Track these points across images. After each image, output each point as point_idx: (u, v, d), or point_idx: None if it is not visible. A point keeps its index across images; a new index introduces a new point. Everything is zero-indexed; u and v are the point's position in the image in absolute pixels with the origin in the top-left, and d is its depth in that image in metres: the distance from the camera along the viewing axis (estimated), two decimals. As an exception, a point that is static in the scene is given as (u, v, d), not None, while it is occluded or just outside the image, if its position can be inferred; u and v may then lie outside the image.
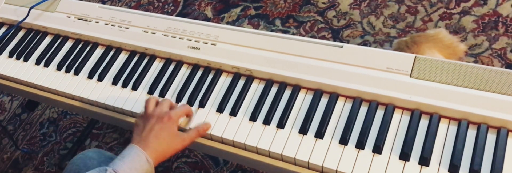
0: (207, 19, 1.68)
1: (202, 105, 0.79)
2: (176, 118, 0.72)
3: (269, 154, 0.72)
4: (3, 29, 1.06)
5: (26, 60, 0.97)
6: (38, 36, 1.01)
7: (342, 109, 0.73)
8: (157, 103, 0.76)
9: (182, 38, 0.87)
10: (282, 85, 0.78)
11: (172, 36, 0.88)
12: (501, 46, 1.30)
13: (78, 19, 0.97)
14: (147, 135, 0.70)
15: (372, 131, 0.69)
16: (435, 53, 1.00)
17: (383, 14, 1.46)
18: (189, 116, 0.78)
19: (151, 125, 0.71)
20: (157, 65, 0.88)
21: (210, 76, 0.83)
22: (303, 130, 0.72)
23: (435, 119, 0.68)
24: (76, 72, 0.91)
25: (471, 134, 0.66)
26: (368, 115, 0.71)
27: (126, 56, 0.92)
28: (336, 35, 1.47)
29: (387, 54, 0.73)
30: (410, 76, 0.70)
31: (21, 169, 1.56)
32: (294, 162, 0.71)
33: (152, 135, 0.70)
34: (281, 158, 0.72)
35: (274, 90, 0.78)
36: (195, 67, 0.85)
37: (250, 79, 0.80)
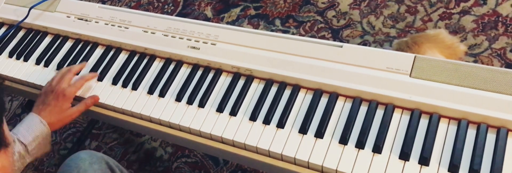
0: (207, 19, 1.68)
1: (202, 104, 0.79)
2: (70, 95, 0.83)
3: (269, 154, 0.72)
4: (3, 29, 1.06)
5: (26, 60, 0.97)
6: (38, 36, 1.01)
7: (342, 108, 0.73)
8: (62, 76, 0.85)
9: (182, 38, 0.87)
10: (282, 85, 0.78)
11: (172, 36, 0.88)
12: (501, 46, 1.30)
13: (78, 19, 0.97)
14: (43, 108, 0.82)
15: (372, 130, 0.69)
16: (436, 53, 1.00)
17: (383, 14, 1.46)
18: (91, 79, 0.87)
19: (48, 100, 0.83)
20: (157, 65, 0.88)
21: (210, 76, 0.83)
22: (303, 130, 0.72)
23: (435, 119, 0.68)
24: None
25: (471, 133, 0.66)
26: (368, 115, 0.71)
27: (126, 56, 0.92)
28: (336, 35, 1.47)
29: (387, 54, 0.73)
30: (410, 76, 0.70)
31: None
32: (294, 161, 0.71)
33: (47, 108, 0.82)
34: (281, 158, 0.72)
35: (274, 89, 0.78)
36: (195, 67, 0.85)
37: (250, 79, 0.80)
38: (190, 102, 0.81)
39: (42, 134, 0.80)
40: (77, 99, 0.86)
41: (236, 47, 0.82)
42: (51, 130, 0.82)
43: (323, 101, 0.74)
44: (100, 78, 0.89)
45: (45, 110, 0.82)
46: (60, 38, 0.99)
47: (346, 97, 0.74)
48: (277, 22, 1.58)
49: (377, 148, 0.67)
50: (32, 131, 0.79)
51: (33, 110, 0.83)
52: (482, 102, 0.65)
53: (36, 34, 1.02)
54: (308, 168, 0.70)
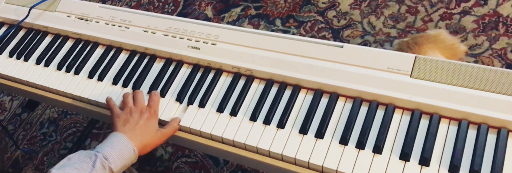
0: (207, 19, 1.68)
1: (202, 104, 0.79)
2: (158, 110, 0.77)
3: (269, 154, 0.72)
4: (4, 29, 1.06)
5: (26, 60, 0.97)
6: (38, 36, 1.01)
7: (342, 109, 0.73)
8: (135, 97, 0.79)
9: (182, 38, 0.87)
10: (283, 85, 0.78)
11: (172, 36, 0.88)
12: (501, 46, 1.30)
13: (79, 19, 0.97)
14: (133, 128, 0.73)
15: (372, 131, 0.69)
16: (437, 54, 1.00)
17: (384, 14, 1.46)
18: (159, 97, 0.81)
19: (135, 119, 0.74)
20: (157, 65, 0.88)
21: (210, 76, 0.83)
22: (303, 130, 0.71)
23: (435, 119, 0.68)
24: (77, 72, 0.91)
25: (471, 134, 0.66)
26: (368, 115, 0.71)
27: (126, 56, 0.92)
28: (336, 35, 1.47)
29: (387, 54, 0.73)
30: (410, 76, 0.70)
31: (21, 169, 1.56)
32: (294, 162, 0.71)
33: (137, 128, 0.73)
34: (281, 158, 0.72)
35: (274, 89, 0.78)
36: (195, 67, 0.85)
37: (250, 79, 0.80)
38: (190, 102, 0.80)
39: (130, 163, 0.71)
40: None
41: (236, 47, 0.82)
42: (141, 154, 0.72)
43: (324, 101, 0.74)
44: (101, 78, 0.89)
45: (135, 130, 0.72)
46: (60, 38, 0.99)
47: (347, 97, 0.74)
48: (278, 22, 1.58)
49: (378, 149, 0.67)
50: (123, 159, 0.68)
51: (119, 130, 0.72)
52: (483, 103, 0.65)
53: (36, 34, 1.02)
54: (309, 168, 0.70)
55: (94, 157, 0.66)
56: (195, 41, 0.86)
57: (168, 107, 0.81)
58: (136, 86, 0.85)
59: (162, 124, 0.80)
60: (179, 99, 0.82)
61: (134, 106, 0.77)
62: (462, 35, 1.35)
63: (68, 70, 0.92)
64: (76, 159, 0.66)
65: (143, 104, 0.78)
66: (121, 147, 0.69)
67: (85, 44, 0.96)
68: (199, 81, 0.83)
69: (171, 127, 0.77)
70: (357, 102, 0.72)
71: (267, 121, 0.74)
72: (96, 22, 0.95)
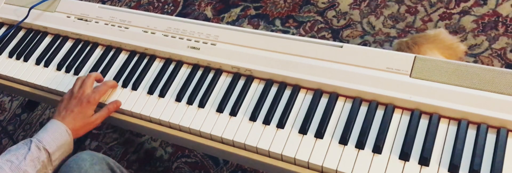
0: (207, 19, 1.68)
1: (202, 104, 0.79)
2: (94, 101, 0.81)
3: (269, 154, 0.72)
4: (3, 29, 1.06)
5: (26, 60, 0.97)
6: (38, 36, 1.01)
7: (342, 108, 0.73)
8: (83, 83, 0.83)
9: (182, 38, 0.87)
10: (282, 85, 0.78)
11: (172, 36, 0.88)
12: (501, 46, 1.30)
13: (78, 19, 0.97)
14: (67, 114, 0.80)
15: (372, 131, 0.69)
16: (436, 54, 1.00)
17: (383, 14, 1.46)
18: (113, 87, 0.86)
19: (72, 105, 0.81)
20: (157, 65, 0.88)
21: (210, 76, 0.83)
22: (303, 130, 0.72)
23: (435, 119, 0.68)
24: (76, 72, 0.91)
25: (471, 134, 0.66)
26: (368, 115, 0.71)
27: (126, 56, 0.92)
28: (336, 35, 1.47)
29: (387, 54, 0.73)
30: (410, 76, 0.70)
31: (21, 169, 1.55)
32: (294, 162, 0.71)
33: (70, 115, 0.80)
34: (281, 158, 0.72)
35: (274, 89, 0.78)
36: (195, 67, 0.85)
37: (250, 79, 0.80)
38: (190, 102, 0.81)
39: (66, 143, 0.78)
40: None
41: (236, 47, 0.82)
42: (74, 137, 0.80)
43: (323, 101, 0.74)
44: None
45: (68, 116, 0.80)
46: (60, 38, 0.99)
47: (346, 97, 0.74)
48: (277, 22, 1.58)
49: (377, 148, 0.67)
50: (57, 140, 0.76)
51: (55, 116, 0.81)
52: (482, 102, 0.65)
53: (36, 34, 1.02)
54: (308, 168, 0.70)
55: (29, 143, 0.73)
56: (195, 41, 0.86)
57: (168, 107, 0.81)
58: (136, 86, 0.85)
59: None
60: (179, 99, 0.82)
61: (77, 91, 0.82)
62: (462, 35, 1.35)
63: (68, 71, 0.92)
64: (14, 148, 0.73)
65: (86, 90, 0.82)
66: (53, 130, 0.77)
67: (84, 45, 0.96)
68: (199, 81, 0.83)
69: (105, 109, 0.82)
70: (356, 101, 0.72)
71: (266, 121, 0.74)
72: (96, 22, 0.95)
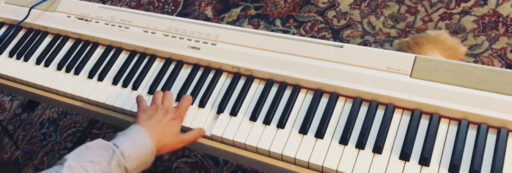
0: (207, 19, 1.68)
1: (202, 105, 0.79)
2: (182, 117, 0.74)
3: (269, 154, 0.72)
4: (3, 29, 1.06)
5: (26, 60, 0.97)
6: (38, 36, 1.01)
7: (342, 109, 0.73)
8: (165, 97, 0.76)
9: (182, 38, 0.87)
10: (282, 85, 0.78)
11: (172, 36, 0.88)
12: (501, 46, 1.30)
13: (78, 19, 0.97)
14: (155, 125, 0.70)
15: (372, 131, 0.69)
16: (437, 54, 1.00)
17: (383, 14, 1.46)
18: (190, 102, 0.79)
19: (159, 116, 0.71)
20: (157, 65, 0.88)
21: (210, 76, 0.83)
22: (303, 130, 0.72)
23: (435, 119, 0.68)
24: (76, 72, 0.91)
25: (471, 134, 0.66)
26: (368, 115, 0.71)
27: (126, 56, 0.92)
28: (336, 35, 1.47)
29: (387, 54, 0.73)
30: (410, 76, 0.70)
31: (21, 169, 1.56)
32: (294, 162, 0.71)
33: (159, 127, 0.69)
34: (281, 158, 0.72)
35: (274, 89, 0.78)
36: (195, 67, 0.85)
37: (250, 79, 0.80)
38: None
39: (145, 164, 0.67)
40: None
41: (236, 47, 0.82)
42: (157, 153, 0.69)
43: (324, 101, 0.74)
44: (101, 78, 0.89)
45: (156, 127, 0.69)
46: (60, 38, 0.99)
47: (347, 97, 0.74)
48: (278, 22, 1.58)
49: (378, 149, 0.67)
50: (140, 159, 0.65)
51: (141, 123, 0.70)
52: (483, 102, 0.65)
53: (36, 34, 1.02)
54: (309, 168, 0.70)
55: (111, 152, 0.63)
56: (195, 41, 0.86)
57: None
58: (136, 86, 0.85)
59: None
60: (179, 99, 0.81)
61: (162, 104, 0.75)
62: (462, 35, 1.35)
63: (68, 71, 0.92)
64: (94, 149, 0.63)
65: (171, 104, 0.75)
66: (140, 146, 0.66)
67: (85, 44, 0.96)
68: (199, 81, 0.83)
69: (192, 134, 0.74)
70: (357, 101, 0.72)
71: (267, 121, 0.74)
72: (96, 22, 0.95)
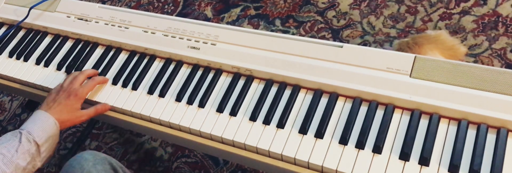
0: (207, 19, 1.68)
1: (202, 104, 0.79)
2: (82, 95, 0.82)
3: (269, 154, 0.72)
4: (3, 29, 1.06)
5: (26, 60, 0.97)
6: (38, 36, 1.01)
7: (342, 108, 0.73)
8: (74, 78, 0.85)
9: (182, 38, 0.87)
10: (282, 85, 0.78)
11: (172, 36, 0.88)
12: (501, 46, 1.30)
13: (78, 19, 0.97)
14: (54, 106, 0.80)
15: (372, 131, 0.69)
16: (437, 54, 1.00)
17: (383, 14, 1.46)
18: (103, 82, 0.87)
19: (60, 98, 0.81)
20: (157, 65, 0.88)
21: (210, 76, 0.83)
22: (303, 130, 0.72)
23: (435, 119, 0.68)
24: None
25: (471, 134, 0.66)
26: (368, 115, 0.71)
27: (126, 56, 0.92)
28: (336, 35, 1.47)
29: (387, 54, 0.73)
30: (410, 76, 0.70)
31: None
32: (294, 162, 0.71)
33: (57, 107, 0.80)
34: (281, 158, 0.72)
35: (274, 89, 0.78)
36: (195, 67, 0.85)
37: (250, 79, 0.80)
38: (190, 102, 0.81)
39: (54, 135, 0.78)
40: (87, 102, 0.86)
41: (236, 47, 0.82)
42: (60, 128, 0.80)
43: (323, 101, 0.74)
44: (100, 78, 0.89)
45: (55, 108, 0.80)
46: (60, 38, 0.99)
47: (346, 97, 0.74)
48: (277, 22, 1.58)
49: (377, 148, 0.67)
50: (46, 132, 0.76)
51: (42, 107, 0.81)
52: (482, 102, 0.65)
53: (36, 34, 1.02)
54: (308, 168, 0.70)
55: (19, 134, 0.73)
56: (195, 41, 0.86)
57: (168, 107, 0.81)
58: (136, 86, 0.85)
59: (166, 125, 0.80)
60: (179, 99, 0.82)
61: (67, 85, 0.83)
62: (462, 35, 1.35)
63: (68, 71, 0.92)
64: (4, 139, 0.73)
65: (75, 84, 0.83)
66: (42, 122, 0.77)
67: (85, 45, 0.96)
68: (199, 81, 0.83)
69: (92, 109, 0.83)
70: (356, 101, 0.72)
71: (266, 121, 0.74)
72: (96, 22, 0.95)
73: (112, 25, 0.94)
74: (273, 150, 0.71)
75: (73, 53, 0.95)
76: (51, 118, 0.78)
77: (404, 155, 0.66)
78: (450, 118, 0.68)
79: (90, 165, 0.77)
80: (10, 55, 0.99)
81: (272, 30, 1.56)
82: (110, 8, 0.96)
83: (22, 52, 0.99)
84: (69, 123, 0.81)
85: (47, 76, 0.93)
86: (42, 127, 0.76)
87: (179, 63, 0.87)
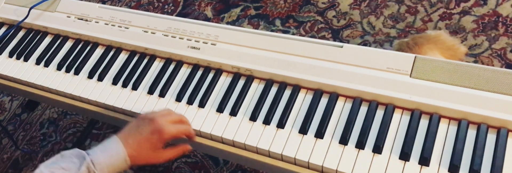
0: (207, 19, 1.68)
1: (202, 104, 0.79)
2: (168, 137, 0.70)
3: (269, 154, 0.72)
4: (3, 29, 1.06)
5: (26, 60, 0.97)
6: (38, 36, 1.01)
7: (342, 108, 0.73)
8: (169, 114, 0.74)
9: (182, 38, 0.87)
10: (282, 85, 0.78)
11: (172, 36, 0.88)
12: (501, 46, 1.30)
13: (78, 19, 0.97)
14: (134, 137, 0.69)
15: (372, 131, 0.69)
16: (437, 54, 1.00)
17: (383, 14, 1.46)
18: (188, 136, 0.75)
19: (144, 131, 0.70)
20: (157, 65, 0.88)
21: (210, 76, 0.83)
22: (303, 130, 0.72)
23: (435, 119, 0.68)
24: (76, 72, 0.91)
25: (471, 134, 0.66)
26: (368, 115, 0.71)
27: (126, 56, 0.92)
28: (336, 35, 1.47)
29: (387, 54, 0.73)
30: (410, 76, 0.70)
31: (21, 169, 1.56)
32: (294, 162, 0.71)
33: (138, 139, 0.69)
34: (281, 158, 0.72)
35: (274, 89, 0.78)
36: (195, 67, 0.85)
37: (250, 79, 0.80)
38: (190, 102, 0.81)
39: (117, 169, 0.67)
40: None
41: (236, 47, 0.82)
42: (131, 164, 0.69)
43: (323, 101, 0.74)
44: (100, 78, 0.89)
45: (134, 139, 0.69)
46: (60, 38, 0.99)
47: (346, 97, 0.74)
48: (277, 22, 1.58)
49: (377, 148, 0.67)
50: (112, 167, 0.65)
51: (120, 135, 0.70)
52: (482, 102, 0.65)
53: (36, 34, 1.02)
54: (308, 168, 0.70)
55: (82, 159, 0.64)
56: (195, 41, 0.86)
57: (168, 107, 0.81)
58: (136, 86, 0.85)
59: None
60: (179, 99, 0.82)
61: (158, 117, 0.71)
62: (462, 35, 1.35)
63: (68, 71, 0.92)
64: (68, 157, 0.66)
65: (167, 121, 0.71)
66: (112, 154, 0.66)
67: (85, 45, 0.96)
68: (199, 81, 0.83)
69: (174, 151, 0.73)
70: (356, 101, 0.72)
71: (266, 121, 0.74)
72: (96, 22, 0.95)
73: (112, 25, 0.94)
74: (273, 150, 0.71)
75: (73, 53, 0.95)
76: (124, 154, 0.67)
77: (404, 155, 0.66)
78: (450, 118, 0.68)
79: None
80: (10, 55, 0.99)
81: (272, 30, 1.56)
82: (110, 8, 0.96)
83: (22, 52, 0.99)
84: (143, 161, 0.70)
85: (47, 76, 0.93)
86: (110, 161, 0.66)
87: (179, 63, 0.87)
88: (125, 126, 0.73)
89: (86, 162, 0.64)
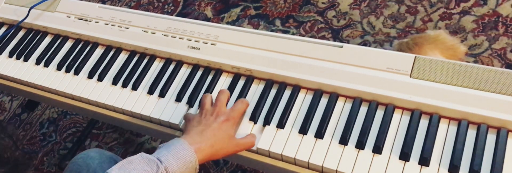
0: (207, 19, 1.68)
1: (202, 105, 0.79)
2: (235, 120, 0.68)
3: (269, 154, 0.72)
4: (3, 29, 1.06)
5: (26, 60, 0.97)
6: (38, 36, 1.01)
7: (342, 109, 0.73)
8: (217, 99, 0.73)
9: (182, 38, 0.87)
10: (282, 86, 0.78)
11: (172, 36, 0.88)
12: (501, 46, 1.30)
13: (78, 19, 0.97)
14: (203, 131, 0.67)
15: (372, 131, 0.69)
16: (437, 54, 1.00)
17: (383, 14, 1.46)
18: (248, 106, 0.74)
19: (209, 121, 0.68)
20: (157, 65, 0.88)
21: (210, 77, 0.83)
22: (303, 130, 0.72)
23: (435, 119, 0.68)
24: (76, 72, 0.91)
25: (471, 134, 0.66)
26: (368, 115, 0.71)
27: (126, 56, 0.92)
28: (336, 35, 1.47)
29: (387, 54, 0.73)
30: (410, 76, 0.70)
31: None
32: (294, 162, 0.71)
33: (208, 132, 0.66)
34: (281, 158, 0.72)
35: (274, 90, 0.78)
36: (195, 67, 0.85)
37: (250, 79, 0.80)
38: (190, 102, 0.80)
39: None
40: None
41: (236, 47, 0.82)
42: (211, 159, 0.68)
43: (323, 101, 0.74)
44: (100, 78, 0.89)
45: (206, 133, 0.66)
46: (60, 38, 0.99)
47: (346, 97, 0.74)
48: (277, 22, 1.57)
49: (377, 149, 0.67)
50: (182, 170, 0.63)
51: (190, 141, 0.65)
52: (482, 103, 0.65)
53: (36, 34, 1.02)
54: (308, 168, 0.70)
55: (155, 168, 0.61)
56: (195, 41, 0.86)
57: (168, 107, 0.81)
58: (136, 86, 0.85)
59: (166, 125, 0.80)
60: (179, 99, 0.82)
61: (211, 108, 0.71)
62: (462, 35, 1.35)
63: (68, 71, 0.92)
64: (137, 163, 0.61)
65: (222, 106, 0.71)
66: (185, 162, 0.63)
67: (84, 45, 0.96)
68: (199, 81, 0.83)
69: (247, 139, 0.70)
70: (356, 102, 0.72)
71: (266, 121, 0.74)
72: (96, 22, 0.95)
73: (112, 25, 0.94)
74: (273, 150, 0.71)
75: (73, 53, 0.95)
76: (195, 158, 0.65)
77: (404, 155, 0.65)
78: (450, 118, 0.68)
79: (95, 163, 0.76)
80: (10, 55, 0.99)
81: (272, 30, 1.56)
82: (110, 8, 0.96)
83: (22, 52, 0.98)
84: (223, 152, 0.67)
85: (47, 76, 0.93)
86: (183, 169, 0.63)
87: (179, 64, 0.86)
88: (185, 129, 0.70)
89: (160, 171, 0.61)
